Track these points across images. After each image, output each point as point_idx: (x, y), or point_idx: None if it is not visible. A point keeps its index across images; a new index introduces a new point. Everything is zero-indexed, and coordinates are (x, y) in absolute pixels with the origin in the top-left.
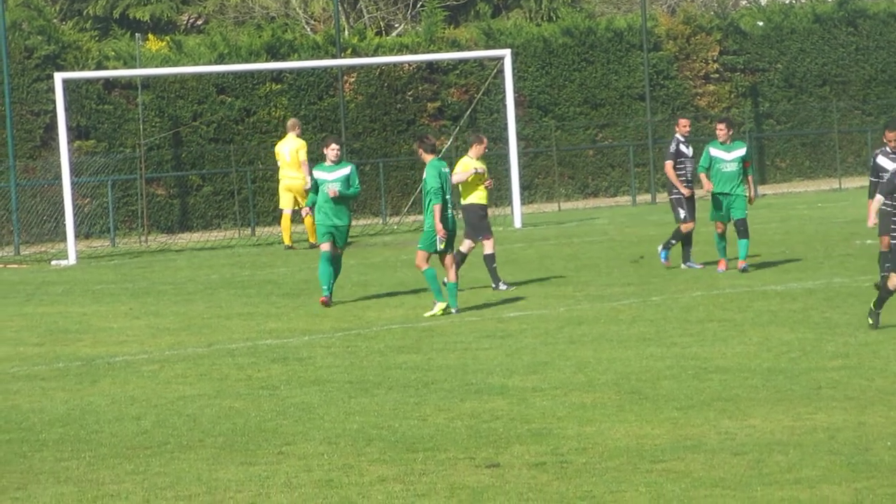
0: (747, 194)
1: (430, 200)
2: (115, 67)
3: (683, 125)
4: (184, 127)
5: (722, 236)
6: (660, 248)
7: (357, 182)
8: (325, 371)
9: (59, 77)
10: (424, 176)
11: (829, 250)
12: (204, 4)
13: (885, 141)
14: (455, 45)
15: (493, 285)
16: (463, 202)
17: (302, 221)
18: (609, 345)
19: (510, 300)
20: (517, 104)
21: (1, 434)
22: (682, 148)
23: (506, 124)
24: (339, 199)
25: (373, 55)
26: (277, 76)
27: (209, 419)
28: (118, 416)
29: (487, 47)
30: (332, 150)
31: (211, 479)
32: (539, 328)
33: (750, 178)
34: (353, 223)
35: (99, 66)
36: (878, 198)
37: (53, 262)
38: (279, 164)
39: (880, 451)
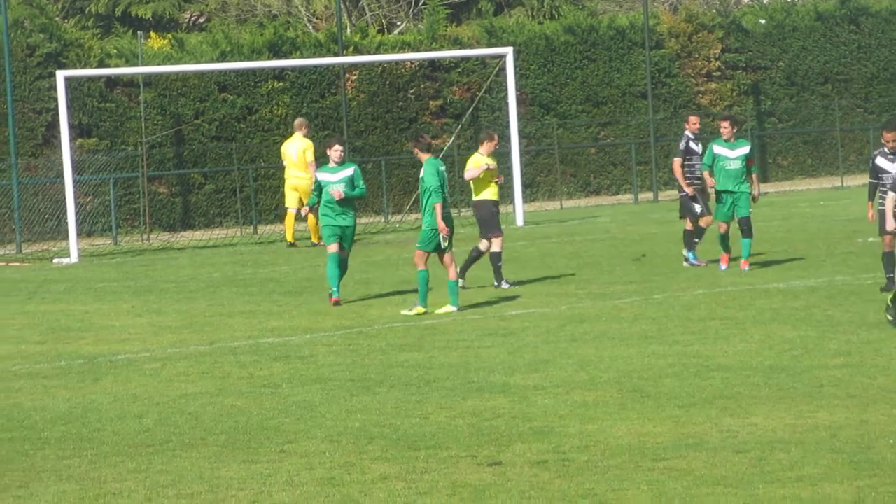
0: (751, 192)
1: (430, 199)
2: (117, 65)
3: (693, 122)
4: (186, 125)
5: (725, 236)
6: (685, 252)
7: (362, 183)
8: (326, 369)
9: (61, 75)
10: (422, 175)
11: (832, 248)
12: (206, 2)
13: (883, 141)
14: (457, 43)
15: (496, 283)
16: (474, 199)
17: (305, 220)
18: (611, 343)
19: (512, 298)
20: (519, 102)
21: (3, 432)
22: (692, 145)
23: (508, 122)
24: (343, 201)
25: (375, 53)
26: (279, 74)
27: (211, 417)
28: (120, 415)
29: (489, 45)
30: (335, 152)
31: (213, 478)
32: (541, 326)
33: (754, 175)
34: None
35: (101, 64)
36: (892, 195)
37: (55, 261)
38: (285, 163)
39: (882, 449)
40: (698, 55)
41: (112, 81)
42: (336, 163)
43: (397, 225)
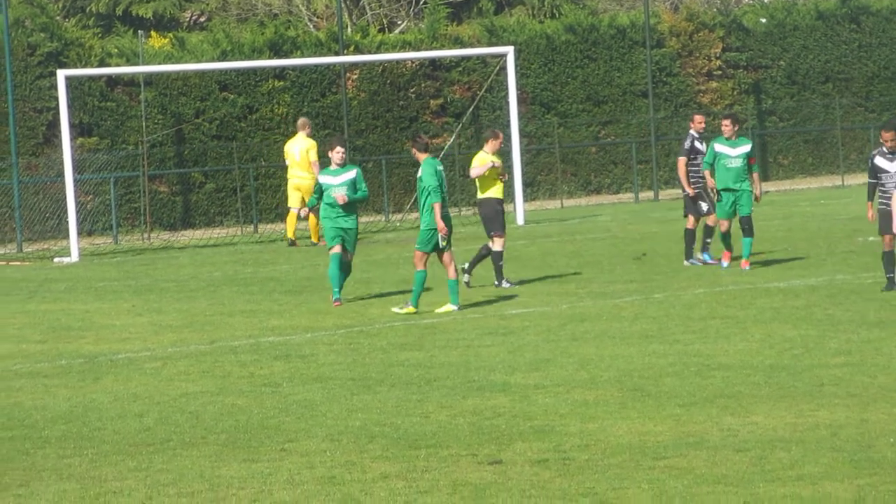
0: (752, 190)
1: (429, 198)
2: (117, 64)
3: (699, 121)
4: (186, 124)
5: (727, 234)
6: (699, 255)
7: (364, 186)
8: (327, 368)
9: (61, 74)
10: (420, 174)
11: (832, 247)
12: (207, 1)
13: (881, 141)
14: (458, 42)
15: (496, 282)
16: (479, 197)
17: (305, 219)
18: (611, 342)
19: (512, 297)
20: (520, 101)
21: (4, 431)
22: (697, 144)
23: (508, 121)
24: (345, 204)
25: (375, 52)
26: (280, 73)
27: (212, 416)
28: (121, 414)
29: (490, 44)
30: (336, 153)
31: (213, 476)
32: (541, 325)
33: (755, 175)
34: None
35: (102, 64)
36: None
37: (56, 260)
38: (287, 162)
39: (883, 447)
40: (699, 54)
41: (113, 80)
42: (337, 164)
43: (398, 224)
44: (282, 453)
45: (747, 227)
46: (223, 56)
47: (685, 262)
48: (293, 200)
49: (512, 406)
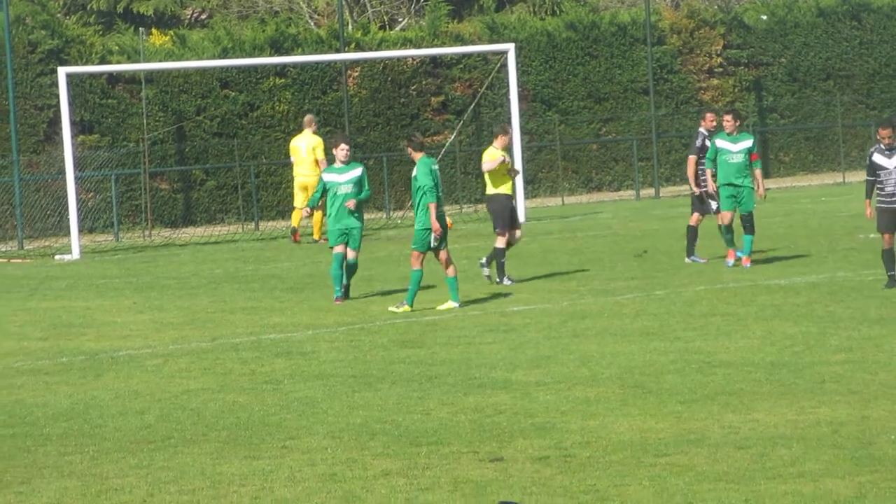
0: (754, 187)
1: (423, 198)
2: (118, 62)
3: (710, 119)
4: (187, 121)
5: (729, 228)
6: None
7: (367, 185)
8: (328, 365)
9: (62, 71)
10: (415, 174)
11: (833, 244)
12: None
13: (878, 138)
14: (459, 40)
15: (498, 279)
16: (488, 192)
17: (308, 217)
18: (612, 339)
19: (514, 294)
20: (521, 98)
21: (5, 429)
22: (708, 142)
23: (509, 118)
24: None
25: (376, 49)
26: (281, 70)
27: (213, 413)
28: (122, 411)
29: (491, 41)
30: (341, 151)
31: (214, 474)
32: (542, 322)
33: (757, 171)
34: None
35: (102, 61)
36: None
37: (57, 257)
38: (293, 159)
39: (884, 444)
40: (700, 51)
41: (114, 78)
42: (342, 162)
43: (399, 221)
44: (283, 450)
45: (748, 225)
46: (224, 53)
47: (686, 260)
48: (299, 200)
49: (513, 403)
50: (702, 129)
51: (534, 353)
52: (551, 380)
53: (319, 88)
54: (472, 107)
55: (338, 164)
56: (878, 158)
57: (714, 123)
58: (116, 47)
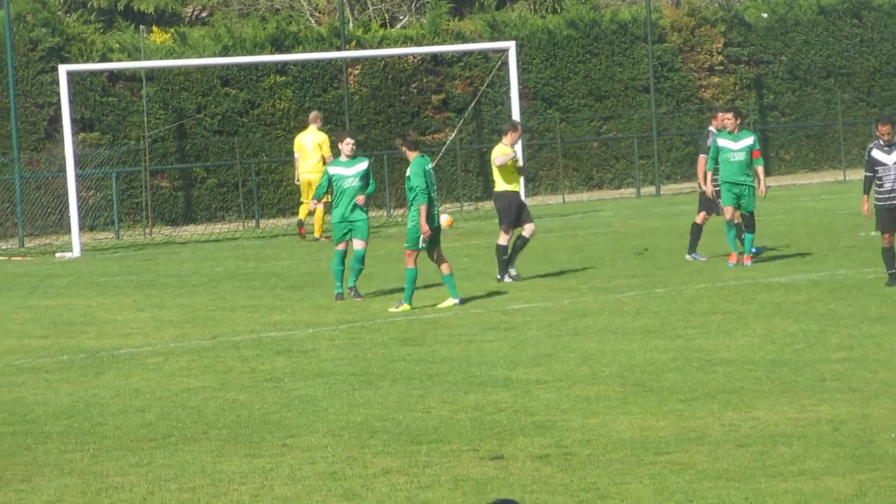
0: (756, 186)
1: (416, 199)
2: (119, 59)
3: (721, 118)
4: (188, 119)
5: (731, 224)
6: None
7: (373, 178)
8: (329, 363)
9: (63, 69)
10: (408, 174)
11: (834, 242)
12: None
13: (877, 134)
14: (459, 38)
15: (499, 276)
16: (496, 189)
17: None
18: (613, 337)
19: (514, 292)
20: (522, 96)
21: (5, 426)
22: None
23: (510, 116)
24: (356, 195)
25: (377, 47)
26: (282, 68)
27: (213, 411)
28: (122, 409)
29: (492, 39)
30: (347, 145)
31: (215, 472)
32: (543, 320)
33: (759, 169)
34: None
35: (103, 59)
36: None
37: (58, 255)
38: (297, 155)
39: (884, 443)
40: (701, 49)
41: (114, 76)
42: (348, 156)
43: (399, 219)
44: (283, 448)
45: (749, 224)
46: (225, 51)
47: (686, 257)
48: (305, 195)
49: (513, 401)
50: (712, 128)
51: (534, 351)
52: (552, 378)
53: (320, 86)
54: (472, 105)
55: (343, 158)
56: (876, 154)
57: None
58: (117, 45)
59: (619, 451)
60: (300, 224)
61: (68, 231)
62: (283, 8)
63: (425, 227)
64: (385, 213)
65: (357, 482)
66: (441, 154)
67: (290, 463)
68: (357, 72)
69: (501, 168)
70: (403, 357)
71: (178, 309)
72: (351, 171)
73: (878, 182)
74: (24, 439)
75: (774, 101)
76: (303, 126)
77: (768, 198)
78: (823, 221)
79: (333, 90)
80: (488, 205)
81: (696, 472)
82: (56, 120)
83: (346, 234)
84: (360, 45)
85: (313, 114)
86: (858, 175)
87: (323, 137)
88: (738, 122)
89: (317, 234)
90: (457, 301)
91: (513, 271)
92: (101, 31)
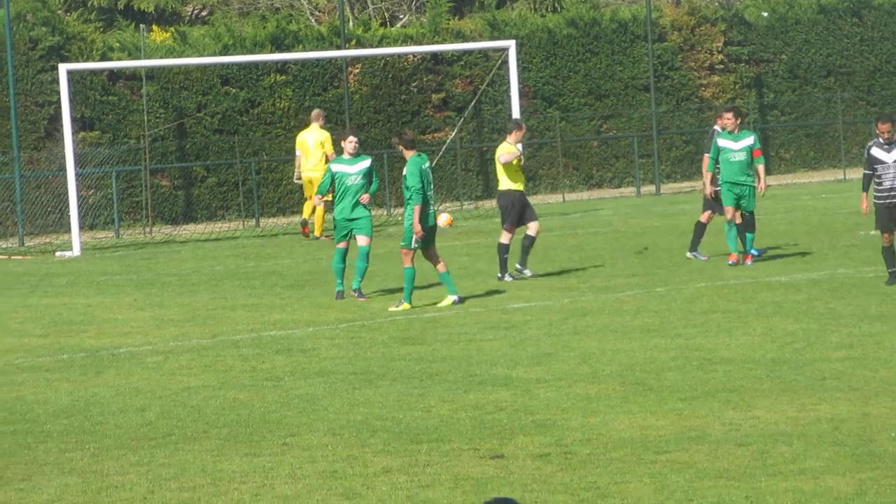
0: (756, 185)
1: (411, 198)
2: (119, 58)
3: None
4: (188, 118)
5: (732, 223)
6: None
7: (376, 176)
8: (329, 362)
9: (63, 68)
10: (405, 172)
11: (834, 241)
12: None
13: (877, 132)
14: (460, 36)
15: (500, 275)
16: (500, 188)
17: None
18: (613, 336)
19: (514, 291)
20: (522, 95)
21: (6, 425)
22: None
23: (510, 115)
24: (359, 193)
25: (377, 46)
26: (282, 67)
27: (213, 410)
28: (122, 408)
29: (492, 38)
30: (350, 143)
31: (215, 471)
32: (543, 319)
33: (760, 167)
34: None
35: (103, 58)
36: None
37: (58, 254)
38: (299, 153)
39: (884, 441)
40: (701, 48)
41: (114, 75)
42: (350, 154)
43: (399, 218)
44: (283, 447)
45: (750, 224)
46: (225, 50)
47: (687, 254)
48: (308, 193)
49: (514, 400)
50: (717, 128)
51: (534, 350)
52: (552, 377)
53: (320, 85)
54: (472, 104)
55: (346, 156)
56: (876, 152)
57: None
58: (117, 44)
59: (619, 450)
60: (304, 223)
61: (68, 230)
62: (283, 7)
63: (418, 228)
64: (385, 212)
65: (357, 481)
66: (441, 153)
67: (291, 462)
68: (357, 71)
69: (506, 166)
70: (403, 356)
71: (178, 308)
72: (354, 169)
73: (877, 180)
74: (25, 438)
75: (774, 100)
76: (303, 125)
77: (768, 197)
78: (823, 220)
79: (333, 89)
80: (488, 203)
81: (696, 470)
82: (56, 119)
83: (348, 232)
84: (360, 44)
85: (315, 112)
86: (858, 174)
87: (325, 135)
88: (739, 121)
89: (317, 233)
90: (456, 298)
91: (527, 271)
92: (102, 29)
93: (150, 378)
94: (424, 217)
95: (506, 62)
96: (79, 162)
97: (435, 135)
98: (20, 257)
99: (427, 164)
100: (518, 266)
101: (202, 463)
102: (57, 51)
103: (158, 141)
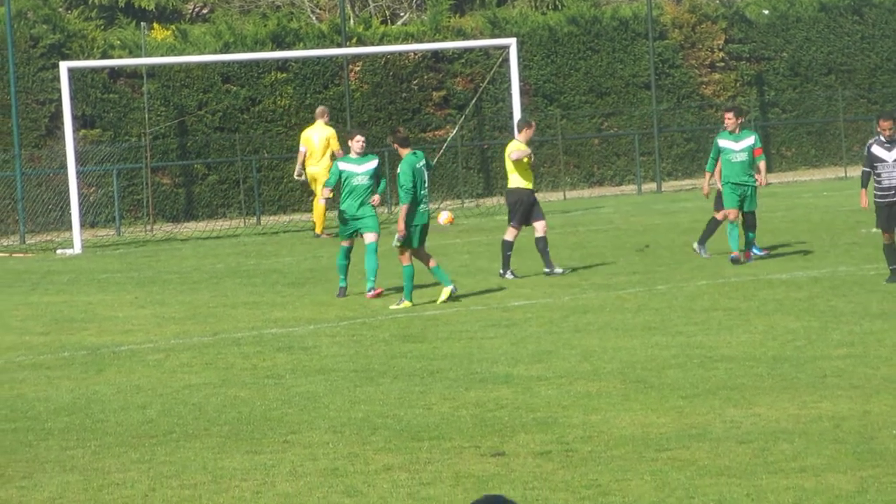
0: (757, 181)
1: (401, 197)
2: (120, 56)
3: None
4: (189, 116)
5: (734, 224)
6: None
7: (382, 176)
8: (330, 360)
9: (64, 66)
10: (398, 171)
11: (835, 239)
12: None
13: (878, 130)
14: (460, 34)
15: (501, 272)
16: (509, 186)
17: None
18: (614, 334)
19: (515, 289)
20: (522, 93)
21: (7, 423)
22: None
23: (511, 113)
24: (366, 193)
25: (378, 44)
26: (283, 65)
27: (214, 408)
28: (124, 405)
29: (493, 36)
30: (357, 143)
31: (216, 468)
32: (544, 317)
33: (761, 164)
34: None
35: (104, 55)
36: None
37: (59, 251)
38: (303, 149)
39: (885, 439)
40: (702, 46)
41: (115, 72)
42: (358, 154)
43: None
44: (284, 445)
45: (751, 224)
46: (226, 48)
47: (694, 245)
48: (313, 189)
49: (515, 398)
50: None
51: (535, 347)
52: (553, 374)
53: (321, 83)
54: (473, 101)
55: (353, 155)
56: (876, 150)
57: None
58: (118, 42)
59: (620, 448)
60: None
61: (69, 228)
62: (283, 5)
63: (401, 226)
64: (386, 210)
65: (358, 479)
66: (442, 151)
67: (292, 459)
68: (358, 68)
69: (516, 163)
70: (404, 354)
71: (179, 306)
72: (361, 169)
73: (877, 179)
74: (26, 436)
75: (775, 98)
76: (304, 122)
77: (770, 194)
78: (825, 218)
79: (334, 87)
80: (489, 201)
81: (697, 468)
82: (57, 117)
83: (353, 231)
84: (360, 42)
85: (320, 109)
86: (859, 171)
87: (331, 132)
88: (739, 121)
89: (317, 231)
90: (452, 287)
91: (558, 269)
92: (102, 27)
93: (151, 376)
94: (413, 216)
95: (507, 60)
96: (80, 160)
97: (436, 133)
98: (21, 255)
99: (422, 163)
100: (546, 271)
101: (203, 460)
102: (58, 48)
103: (159, 139)
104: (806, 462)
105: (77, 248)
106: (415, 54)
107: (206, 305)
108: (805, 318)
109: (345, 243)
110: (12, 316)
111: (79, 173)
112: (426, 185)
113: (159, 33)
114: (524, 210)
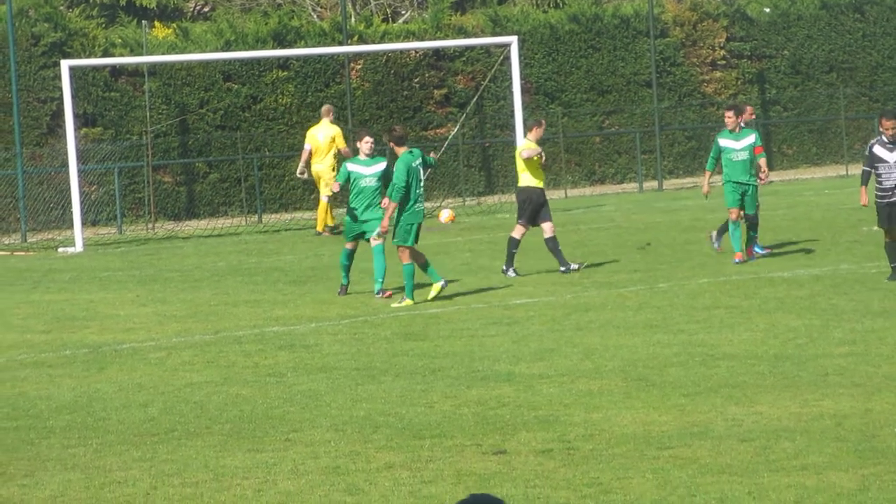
0: (758, 181)
1: (392, 195)
2: (121, 55)
3: (750, 112)
4: (190, 114)
5: (737, 224)
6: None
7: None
8: (331, 358)
9: (65, 64)
10: (394, 169)
11: (836, 237)
12: None
13: (881, 130)
14: (462, 32)
15: (504, 269)
16: (520, 184)
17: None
18: (616, 332)
19: (517, 287)
20: (524, 91)
21: (8, 421)
22: None
23: (512, 111)
24: (373, 195)
25: (379, 42)
26: (284, 63)
27: (216, 406)
28: (125, 404)
29: (494, 34)
30: (366, 144)
31: (218, 466)
32: (546, 315)
33: (762, 161)
34: None
35: (105, 54)
36: None
37: (60, 250)
38: (308, 146)
39: (887, 437)
40: (703, 44)
41: (117, 71)
42: (367, 155)
43: None
44: (286, 443)
45: (752, 224)
46: (227, 46)
47: (712, 233)
48: (318, 186)
49: (516, 396)
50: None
51: (537, 345)
52: (555, 372)
53: (322, 81)
54: (474, 100)
55: (362, 157)
56: (878, 150)
57: (752, 117)
58: (119, 40)
59: (621, 446)
60: (332, 229)
61: (71, 226)
62: (284, 3)
63: (385, 223)
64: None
65: (360, 477)
66: (443, 149)
67: (293, 458)
68: (359, 67)
69: (527, 162)
70: (406, 352)
71: (180, 304)
72: (369, 171)
73: (878, 179)
74: (27, 434)
75: (777, 96)
76: (307, 120)
77: (771, 192)
78: (826, 216)
79: (336, 85)
80: (490, 199)
81: (698, 466)
82: (58, 115)
83: (358, 234)
84: (362, 40)
85: (325, 107)
86: (860, 170)
87: (336, 130)
88: (739, 120)
89: (318, 228)
90: (442, 282)
91: (574, 265)
92: (104, 26)
93: (152, 374)
94: (403, 214)
95: (508, 58)
96: (81, 158)
97: (437, 131)
98: (23, 253)
99: (418, 161)
100: (562, 270)
101: (205, 459)
102: (59, 47)
103: (160, 137)
104: (807, 460)
105: (78, 247)
106: (416, 52)
107: (208, 303)
108: (806, 316)
109: (348, 245)
110: (14, 314)
111: (80, 172)
112: (421, 183)
113: (160, 31)
114: (533, 208)
